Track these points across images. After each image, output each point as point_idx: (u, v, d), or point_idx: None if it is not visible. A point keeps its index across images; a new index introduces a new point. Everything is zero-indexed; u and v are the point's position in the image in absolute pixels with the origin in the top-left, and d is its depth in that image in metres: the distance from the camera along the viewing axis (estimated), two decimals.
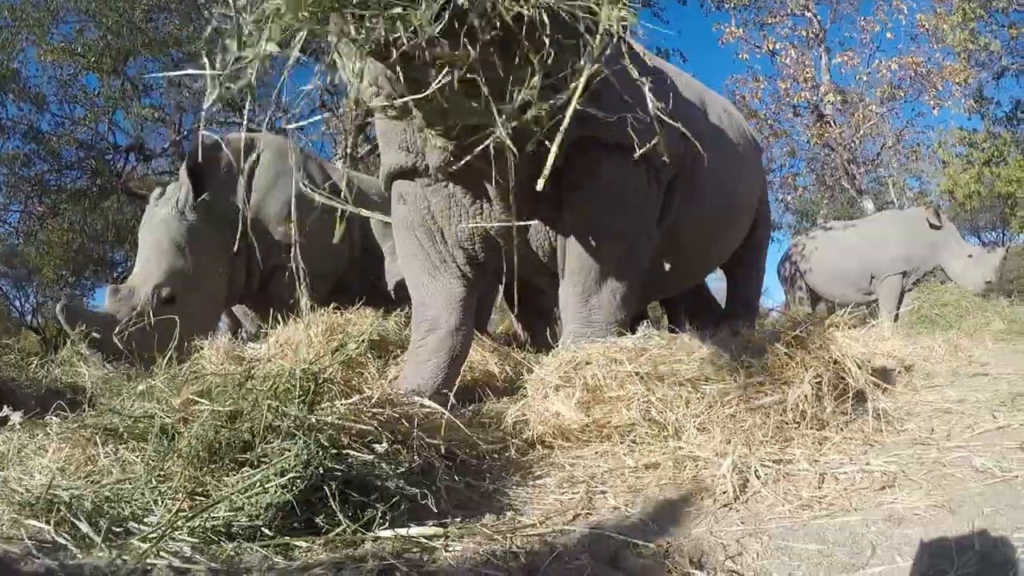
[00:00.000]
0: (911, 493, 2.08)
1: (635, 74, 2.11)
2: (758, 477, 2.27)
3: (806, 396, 2.89)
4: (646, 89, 2.35)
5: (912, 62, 17.77)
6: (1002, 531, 1.68)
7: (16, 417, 3.39)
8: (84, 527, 1.83)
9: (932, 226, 11.43)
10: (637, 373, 3.05)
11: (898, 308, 11.34)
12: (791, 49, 18.53)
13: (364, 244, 7.45)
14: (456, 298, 4.06)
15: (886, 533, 1.75)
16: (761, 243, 6.55)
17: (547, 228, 4.00)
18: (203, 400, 2.37)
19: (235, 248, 6.22)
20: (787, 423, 2.79)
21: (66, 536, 1.79)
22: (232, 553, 1.75)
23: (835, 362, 3.27)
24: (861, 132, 18.03)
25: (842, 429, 2.87)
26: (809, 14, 18.70)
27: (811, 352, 3.21)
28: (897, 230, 11.75)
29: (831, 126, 17.93)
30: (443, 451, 2.64)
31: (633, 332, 3.57)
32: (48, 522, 1.86)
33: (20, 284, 22.97)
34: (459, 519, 2.05)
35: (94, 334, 5.41)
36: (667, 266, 4.84)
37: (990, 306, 9.75)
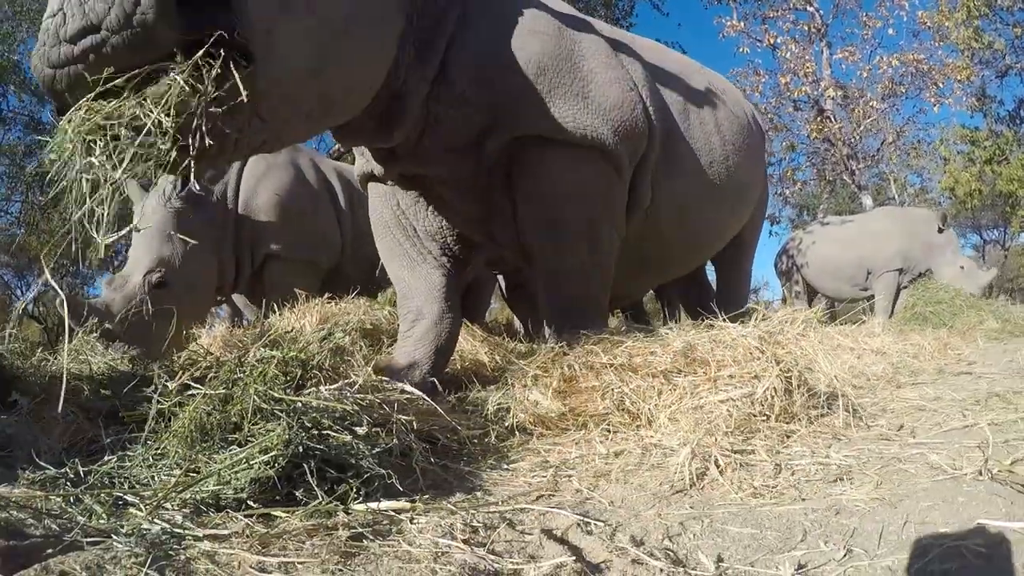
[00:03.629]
0: (860, 486, 2.17)
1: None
2: (717, 466, 2.37)
3: (775, 390, 2.95)
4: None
5: (913, 59, 17.69)
6: (932, 524, 1.78)
7: (25, 403, 3.55)
8: (87, 499, 1.99)
9: (939, 229, 11.45)
10: (611, 364, 3.17)
11: (894, 305, 11.39)
12: (792, 44, 18.45)
13: (358, 231, 7.56)
14: (437, 288, 4.19)
15: (821, 522, 1.85)
16: (749, 239, 6.46)
17: (511, 224, 4.06)
18: (197, 385, 2.51)
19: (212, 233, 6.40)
20: (755, 415, 2.86)
21: (71, 508, 1.95)
22: (219, 521, 1.92)
23: (806, 357, 3.38)
24: (861, 128, 17.99)
25: (812, 423, 2.94)
26: (811, 8, 18.61)
27: (783, 347, 3.30)
28: (894, 226, 11.78)
29: (831, 121, 17.87)
30: (424, 435, 2.80)
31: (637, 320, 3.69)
32: (56, 495, 2.01)
33: (22, 273, 23.20)
34: (428, 496, 2.21)
35: (96, 323, 5.55)
36: (651, 250, 4.81)
37: (985, 305, 9.77)
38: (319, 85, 2.99)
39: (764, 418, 2.87)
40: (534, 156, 3.83)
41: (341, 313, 4.95)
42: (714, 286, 6.95)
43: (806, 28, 18.82)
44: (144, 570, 1.52)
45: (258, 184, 7.07)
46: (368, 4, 3.14)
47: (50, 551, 1.63)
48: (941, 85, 17.45)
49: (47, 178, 2.54)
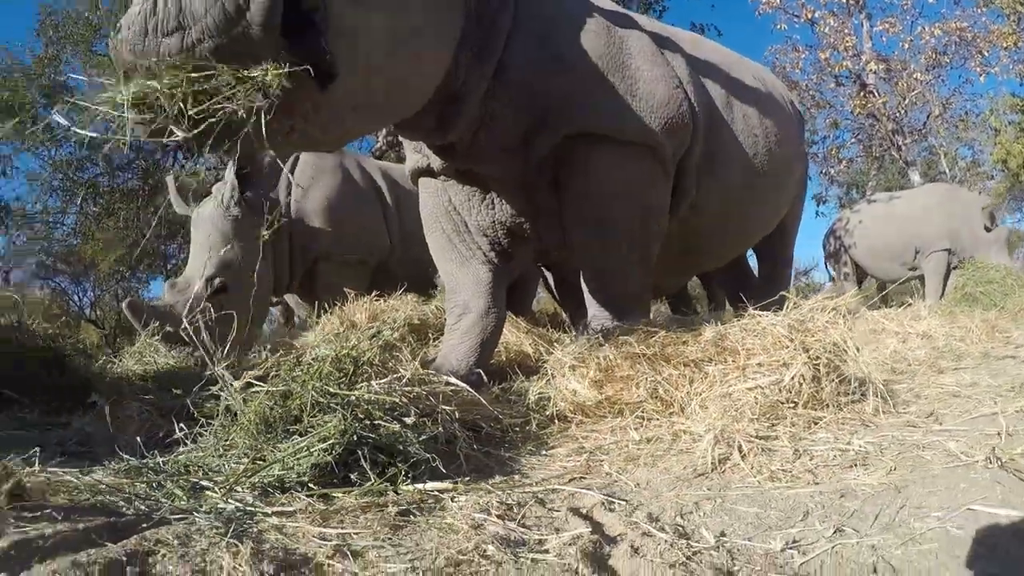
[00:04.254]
0: (874, 472, 2.26)
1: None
2: (740, 451, 2.52)
3: (803, 377, 3.04)
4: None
5: (956, 27, 17.12)
6: (927, 508, 1.90)
7: (102, 403, 3.87)
8: (168, 484, 2.28)
9: (986, 228, 11.14)
10: (645, 355, 3.32)
11: (944, 285, 11.12)
12: (831, 17, 17.90)
13: (405, 231, 7.82)
14: (484, 283, 4.35)
15: (825, 504, 2.00)
16: (790, 226, 6.48)
17: (558, 220, 4.20)
18: (259, 383, 2.77)
19: (267, 237, 6.67)
20: (782, 403, 2.96)
21: (155, 492, 2.23)
22: (283, 500, 2.19)
23: (835, 344, 3.47)
24: (906, 101, 17.49)
25: (840, 410, 3.01)
26: None
27: (813, 335, 3.36)
28: (942, 202, 11.46)
29: (875, 96, 17.35)
30: (468, 424, 3.02)
31: (679, 313, 3.80)
32: (140, 482, 2.30)
33: (78, 279, 24.14)
34: (469, 478, 2.45)
35: (160, 326, 5.86)
36: (695, 242, 4.90)
37: None
38: (393, 84, 3.20)
39: (791, 405, 2.95)
40: (582, 154, 3.95)
41: (389, 310, 5.16)
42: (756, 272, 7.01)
43: (844, 1, 18.29)
44: (225, 539, 1.78)
45: (307, 189, 7.39)
46: (432, 11, 3.32)
47: (144, 525, 1.90)
48: (986, 53, 16.88)
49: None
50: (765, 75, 5.86)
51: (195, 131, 2.56)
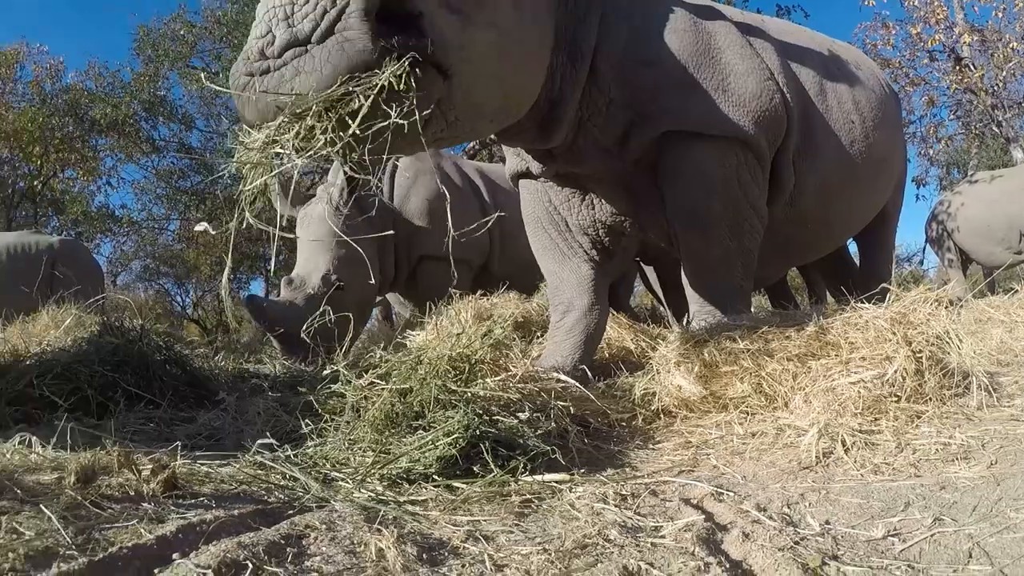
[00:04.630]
0: (975, 466, 2.32)
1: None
2: (843, 445, 2.60)
3: (906, 371, 3.05)
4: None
5: None
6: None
7: (231, 400, 4.16)
8: (301, 476, 2.52)
9: None
10: (748, 350, 3.39)
11: None
12: None
13: (504, 230, 8.03)
14: (587, 281, 4.45)
15: (926, 495, 2.09)
16: (892, 213, 6.33)
17: (659, 215, 4.28)
18: (380, 382, 2.99)
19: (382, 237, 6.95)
20: (885, 397, 2.97)
21: (290, 483, 2.49)
22: (412, 491, 2.42)
23: (938, 337, 3.45)
24: (1004, 73, 16.56)
25: (944, 404, 3.01)
26: None
27: (915, 328, 3.35)
28: None
29: (971, 69, 16.38)
30: (577, 419, 3.18)
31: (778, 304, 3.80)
32: (276, 473, 2.56)
33: (180, 281, 25.41)
34: (583, 470, 2.64)
35: (278, 322, 6.20)
36: (794, 233, 4.87)
37: None
38: (500, 91, 3.37)
39: (895, 399, 2.97)
40: (678, 151, 4.03)
41: (493, 308, 5.35)
42: (857, 261, 6.91)
43: None
44: (366, 524, 1.99)
45: (409, 191, 7.69)
46: (530, 13, 3.46)
47: (290, 512, 2.14)
48: None
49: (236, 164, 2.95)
50: (857, 56, 5.73)
51: (352, 154, 2.76)
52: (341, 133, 2.69)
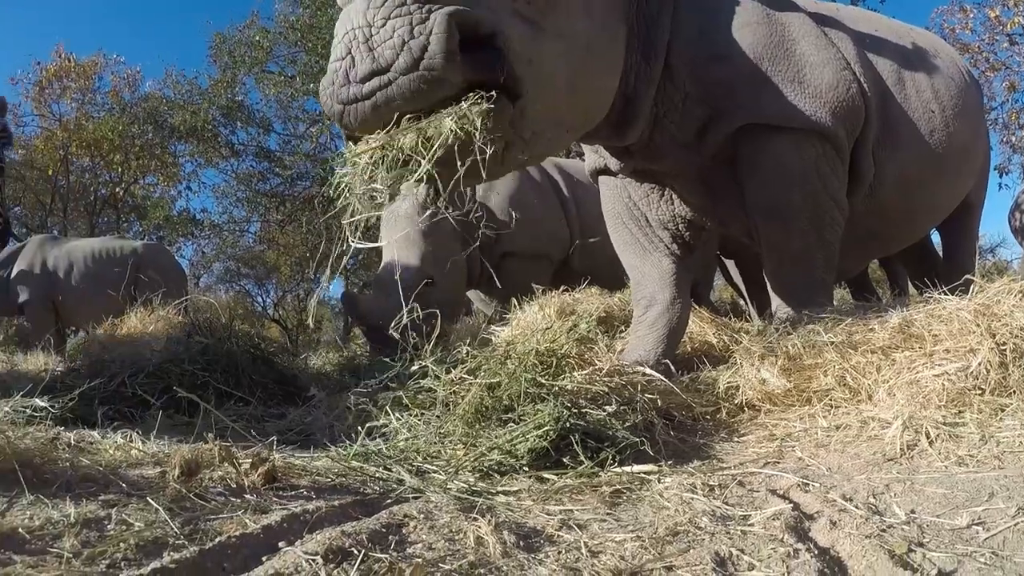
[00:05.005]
0: None
1: None
2: (927, 437, 2.64)
3: (990, 363, 3.02)
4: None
5: None
6: None
7: (321, 395, 4.34)
8: (395, 468, 2.68)
9: None
10: (832, 343, 3.41)
11: None
12: None
13: (584, 225, 8.11)
14: (668, 275, 4.50)
15: (1009, 486, 2.12)
16: (975, 203, 6.17)
17: (738, 210, 4.32)
18: (469, 376, 3.13)
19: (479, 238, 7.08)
20: (969, 389, 2.96)
21: (384, 475, 2.64)
22: (504, 482, 2.55)
23: (1022, 329, 3.43)
24: None
25: None
26: None
27: (999, 319, 3.27)
28: None
29: None
30: (662, 412, 3.28)
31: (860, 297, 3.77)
32: (370, 465, 2.72)
33: (260, 282, 26.10)
34: (670, 462, 2.73)
35: (371, 317, 6.39)
36: (875, 225, 4.84)
37: None
38: (575, 100, 3.48)
39: (979, 392, 2.96)
40: (756, 144, 4.05)
41: (576, 303, 5.45)
42: (940, 251, 6.79)
43: None
44: (462, 514, 2.12)
45: (490, 188, 7.82)
46: (600, 18, 3.55)
47: (388, 502, 2.29)
48: None
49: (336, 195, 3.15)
50: (935, 42, 5.62)
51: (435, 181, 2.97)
52: (435, 171, 2.92)
